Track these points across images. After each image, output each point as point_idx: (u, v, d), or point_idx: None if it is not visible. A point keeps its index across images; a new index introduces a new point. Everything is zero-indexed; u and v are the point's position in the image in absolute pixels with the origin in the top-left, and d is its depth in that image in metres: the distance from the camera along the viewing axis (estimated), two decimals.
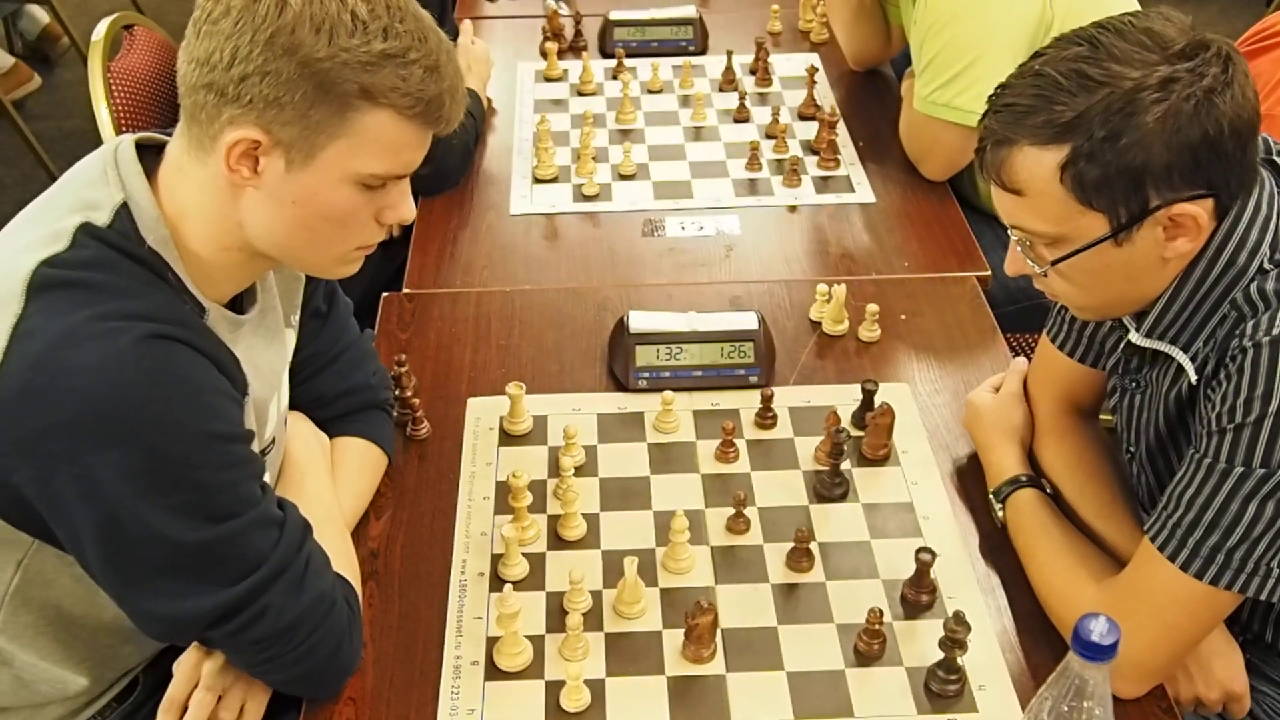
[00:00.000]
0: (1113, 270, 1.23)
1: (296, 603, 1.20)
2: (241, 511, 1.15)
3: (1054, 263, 1.24)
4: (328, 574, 1.25)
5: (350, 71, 1.11)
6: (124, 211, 1.16)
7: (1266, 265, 1.20)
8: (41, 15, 4.22)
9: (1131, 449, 1.43)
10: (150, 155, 1.21)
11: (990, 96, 1.24)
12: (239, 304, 1.29)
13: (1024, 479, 1.45)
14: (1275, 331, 1.15)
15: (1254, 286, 1.20)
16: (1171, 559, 1.21)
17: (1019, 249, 1.28)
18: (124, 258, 1.14)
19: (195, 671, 1.27)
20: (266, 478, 1.32)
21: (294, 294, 1.41)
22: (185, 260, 1.19)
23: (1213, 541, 1.19)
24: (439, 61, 1.16)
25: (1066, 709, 1.03)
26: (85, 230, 1.14)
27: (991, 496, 1.48)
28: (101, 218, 1.15)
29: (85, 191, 1.17)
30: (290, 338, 1.41)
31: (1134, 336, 1.31)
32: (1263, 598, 1.20)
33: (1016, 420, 1.53)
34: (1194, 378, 1.26)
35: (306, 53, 1.09)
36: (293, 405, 1.46)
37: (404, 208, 1.22)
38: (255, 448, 1.25)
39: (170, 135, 1.22)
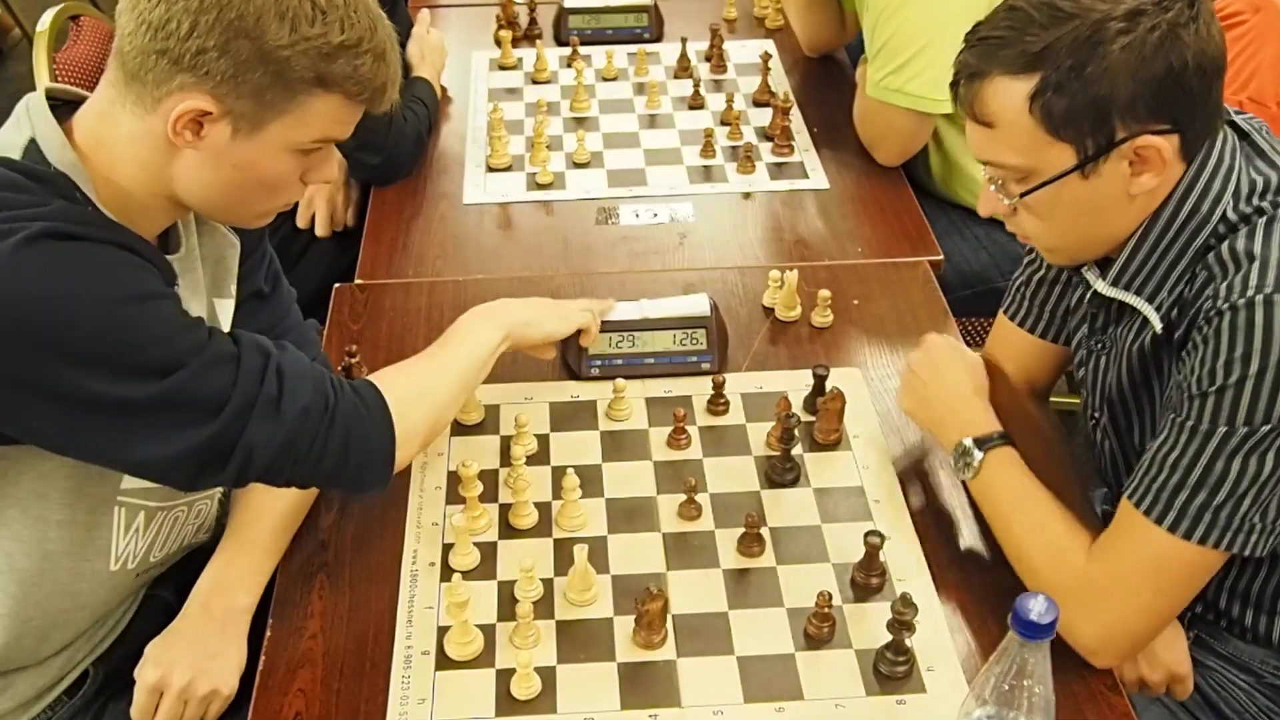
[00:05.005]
0: (1079, 205, 1.25)
1: (279, 427, 1.20)
2: (187, 360, 1.16)
3: (1022, 195, 1.26)
4: (304, 386, 1.23)
5: (308, 60, 1.15)
6: (32, 145, 1.18)
7: (1230, 214, 1.23)
8: None
9: (1095, 414, 1.44)
10: (68, 110, 1.23)
11: (967, 34, 1.27)
12: (164, 246, 1.31)
13: (1000, 436, 1.40)
14: (1250, 293, 1.17)
15: (1225, 246, 1.22)
16: (1159, 522, 1.22)
17: (992, 187, 1.30)
18: (29, 179, 1.15)
19: (156, 692, 1.30)
20: None
21: (229, 261, 1.40)
22: (99, 187, 1.20)
23: (1200, 500, 1.20)
24: (385, 49, 1.22)
25: (1008, 688, 1.04)
26: None
27: (971, 443, 1.39)
28: (15, 155, 1.17)
29: (2, 138, 1.20)
30: (227, 307, 1.40)
31: (1100, 285, 1.33)
32: (1246, 553, 1.22)
33: (983, 379, 1.50)
34: (1158, 327, 1.28)
35: (268, 39, 1.13)
36: None
37: (327, 169, 1.29)
38: None
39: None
